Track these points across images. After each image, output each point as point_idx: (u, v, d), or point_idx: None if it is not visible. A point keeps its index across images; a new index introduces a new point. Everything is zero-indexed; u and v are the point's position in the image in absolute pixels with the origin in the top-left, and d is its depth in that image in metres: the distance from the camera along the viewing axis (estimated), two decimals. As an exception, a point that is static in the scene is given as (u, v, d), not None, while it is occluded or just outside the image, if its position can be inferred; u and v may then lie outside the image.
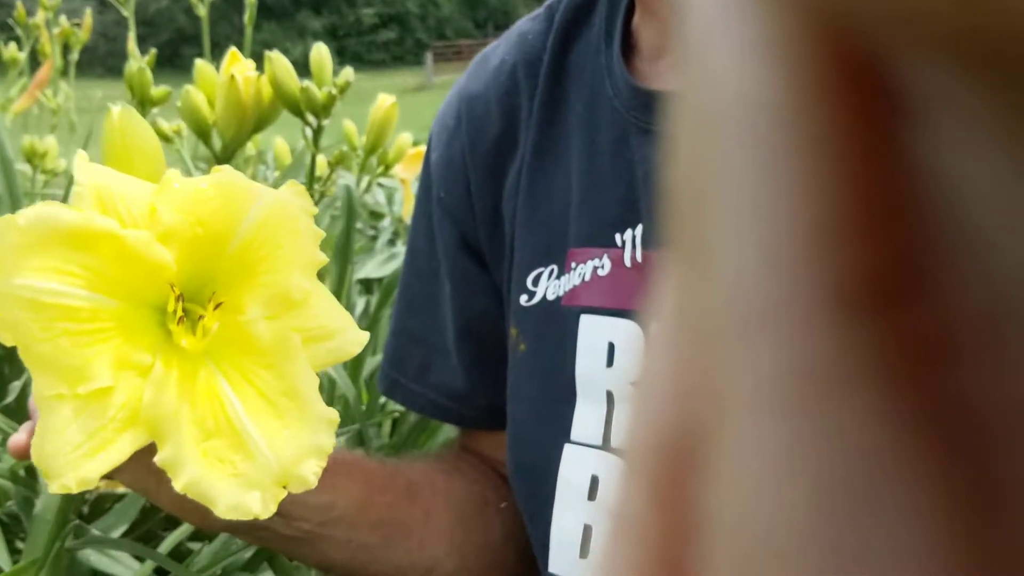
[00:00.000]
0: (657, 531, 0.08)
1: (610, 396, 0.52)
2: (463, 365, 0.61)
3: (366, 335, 0.39)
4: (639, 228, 0.52)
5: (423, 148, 1.15)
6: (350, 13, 33.17)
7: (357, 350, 0.39)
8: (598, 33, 0.56)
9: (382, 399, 0.95)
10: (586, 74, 0.55)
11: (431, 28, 33.32)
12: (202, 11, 1.13)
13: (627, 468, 0.08)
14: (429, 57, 24.96)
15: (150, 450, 0.38)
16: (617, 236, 0.52)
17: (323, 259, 0.38)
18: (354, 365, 0.83)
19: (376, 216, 1.96)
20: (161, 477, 0.40)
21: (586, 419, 0.53)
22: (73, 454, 0.32)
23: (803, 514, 0.06)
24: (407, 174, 1.16)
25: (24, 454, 0.41)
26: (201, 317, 0.36)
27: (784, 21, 0.07)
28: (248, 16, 1.19)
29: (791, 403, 0.06)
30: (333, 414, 0.36)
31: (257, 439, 0.34)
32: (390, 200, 2.19)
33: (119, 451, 0.33)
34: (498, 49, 0.61)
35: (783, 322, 0.06)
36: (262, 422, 0.35)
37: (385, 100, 0.97)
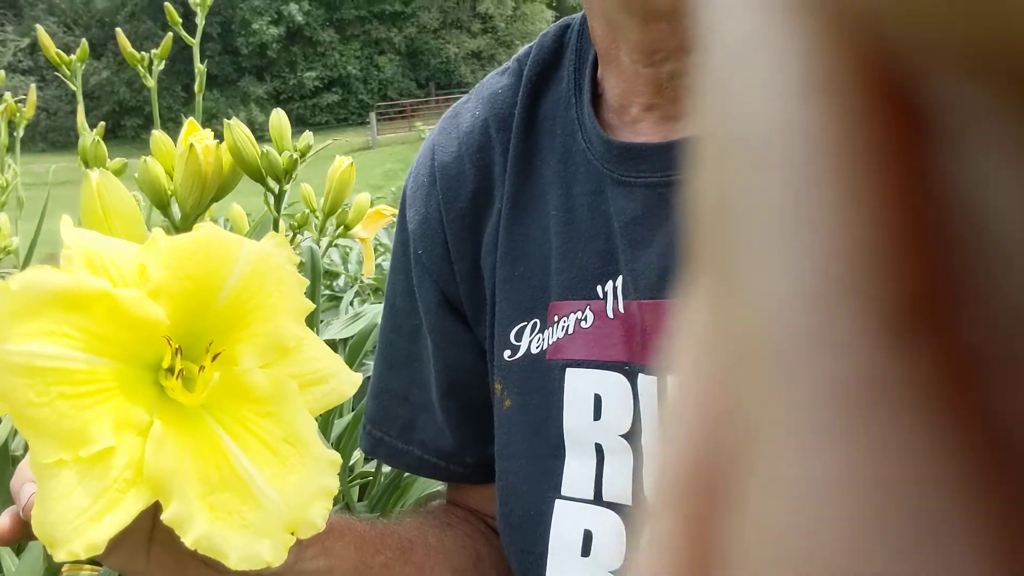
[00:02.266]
0: (688, 558, 0.08)
1: (599, 449, 0.52)
2: (449, 422, 0.61)
3: (360, 376, 0.39)
4: (619, 279, 0.52)
5: (381, 207, 1.15)
6: (292, 77, 33.30)
7: (352, 391, 0.39)
8: (567, 86, 0.57)
9: (351, 462, 0.94)
10: (558, 127, 0.56)
11: (373, 89, 33.55)
12: (151, 82, 1.14)
13: (659, 495, 0.08)
14: (373, 117, 25.09)
15: (141, 526, 0.38)
16: (598, 288, 0.53)
17: (311, 305, 0.39)
18: (322, 428, 0.82)
19: (331, 275, 1.96)
20: (151, 552, 0.39)
21: (576, 473, 0.53)
22: (78, 520, 0.32)
23: (848, 537, 0.06)
24: (366, 233, 1.16)
25: (10, 539, 0.40)
26: (202, 368, 0.36)
27: (817, 45, 0.07)
28: (198, 85, 1.19)
29: (834, 428, 0.06)
30: (335, 455, 0.36)
31: (263, 487, 0.34)
32: (345, 260, 2.19)
33: (124, 513, 0.33)
34: (468, 104, 0.61)
35: (824, 347, 0.06)
36: (267, 470, 0.35)
37: (342, 161, 0.97)
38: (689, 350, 0.08)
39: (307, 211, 1.02)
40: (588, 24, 0.55)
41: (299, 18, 33.02)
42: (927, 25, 0.06)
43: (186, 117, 0.79)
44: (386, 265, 2.09)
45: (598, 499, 0.52)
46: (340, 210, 1.02)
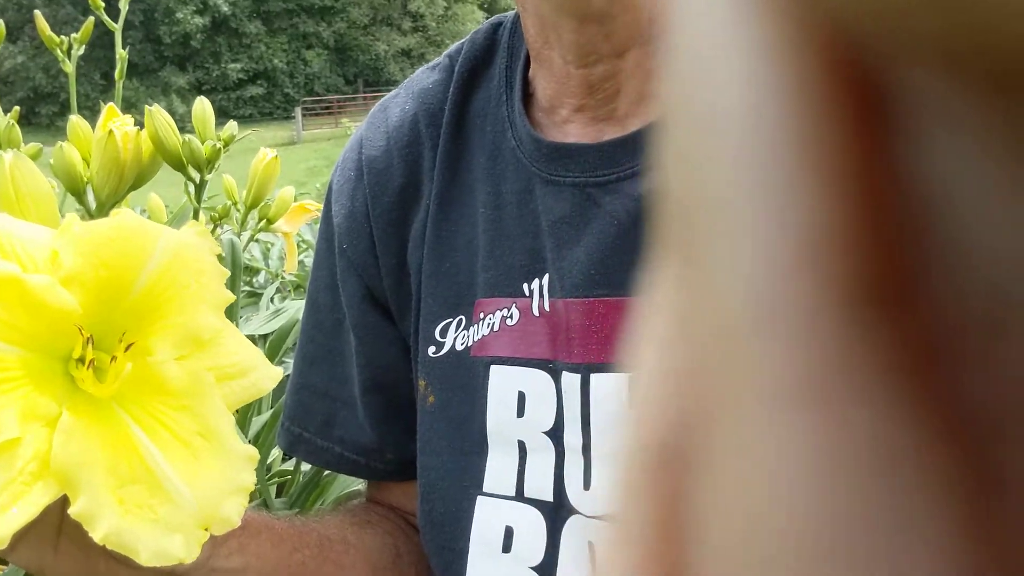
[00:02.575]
0: (657, 529, 0.08)
1: (522, 446, 0.52)
2: (370, 418, 0.60)
3: (280, 371, 0.39)
4: (546, 277, 0.52)
5: (305, 202, 1.14)
6: (215, 68, 32.66)
7: (271, 385, 0.39)
8: (498, 84, 0.57)
9: (270, 460, 0.93)
10: (488, 124, 0.56)
11: (300, 84, 33.12)
12: (69, 67, 1.10)
13: (626, 469, 0.08)
14: (298, 112, 24.77)
15: (48, 520, 0.37)
16: (525, 285, 0.53)
17: (231, 297, 0.38)
18: (239, 424, 0.81)
19: (251, 271, 1.93)
20: (59, 547, 0.38)
21: (499, 470, 0.53)
22: (-18, 510, 0.31)
23: (814, 512, 0.06)
24: (289, 228, 1.14)
25: None
26: (114, 359, 0.35)
27: (781, 30, 0.07)
28: (119, 71, 1.16)
29: (803, 397, 0.06)
30: (252, 451, 0.35)
31: (175, 482, 0.33)
32: (266, 255, 2.15)
33: (31, 506, 0.32)
34: (397, 99, 0.61)
35: (792, 322, 0.06)
36: (179, 464, 0.34)
37: (266, 154, 0.95)
38: (655, 333, 0.08)
39: (229, 203, 1.00)
40: (521, 23, 0.55)
41: (225, 8, 32.41)
42: (895, 20, 0.06)
43: (104, 105, 0.76)
44: (308, 261, 2.07)
45: (520, 495, 0.52)
46: (263, 204, 1.00)
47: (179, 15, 31.65)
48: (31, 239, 0.35)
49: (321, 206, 1.14)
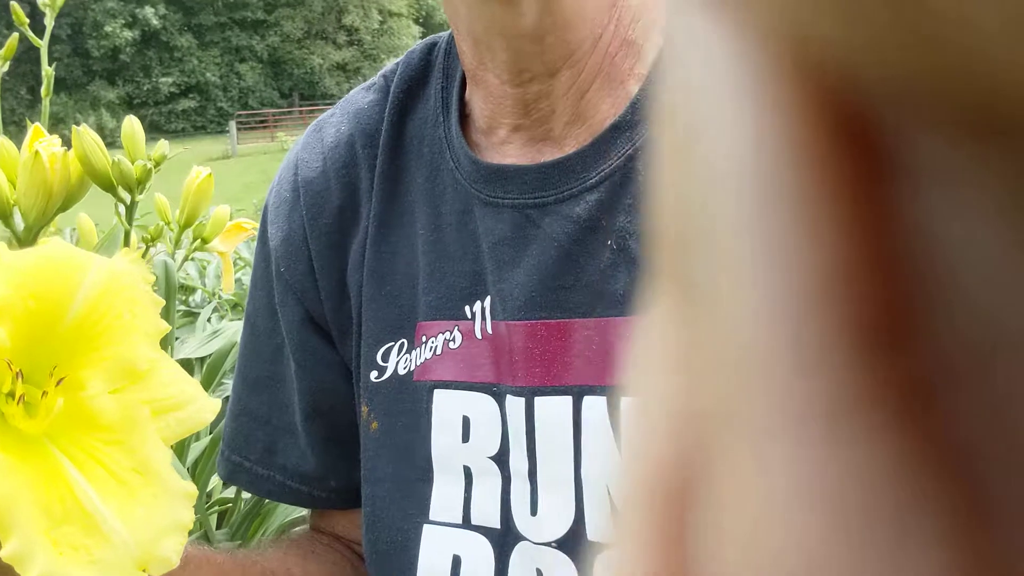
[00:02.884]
0: (661, 563, 0.08)
1: (468, 472, 0.52)
2: (312, 445, 0.59)
3: (218, 402, 0.38)
4: (488, 299, 0.52)
5: (241, 220, 1.12)
6: (146, 82, 32.10)
7: (210, 418, 0.38)
8: (434, 105, 0.56)
9: (209, 488, 0.91)
10: (425, 145, 0.56)
11: (234, 97, 32.72)
12: (-7, 83, 1.07)
13: (627, 500, 0.08)
14: (233, 126, 24.45)
15: None
16: (467, 308, 0.52)
17: (166, 327, 0.37)
18: (177, 452, 0.79)
19: (187, 290, 1.89)
20: None
21: (444, 497, 0.52)
22: (-96, 554, 0.29)
23: (816, 535, 0.06)
24: (225, 247, 1.12)
25: None
26: (45, 393, 0.34)
27: (779, 76, 0.07)
28: (45, 88, 1.13)
29: (805, 430, 0.07)
30: (190, 487, 0.35)
31: (111, 521, 0.32)
32: (202, 274, 2.12)
33: (-43, 548, 0.30)
34: (333, 119, 0.60)
35: (791, 360, 0.07)
36: (115, 502, 0.33)
37: (200, 172, 0.93)
38: (652, 364, 0.08)
39: (161, 223, 0.98)
40: (456, 43, 0.55)
41: (155, 22, 31.89)
42: (886, 72, 0.06)
43: (31, 121, 0.74)
44: (246, 279, 2.04)
45: (467, 523, 0.52)
46: (197, 223, 0.99)
47: (108, 28, 31.06)
48: (-45, 271, 0.34)
49: (258, 224, 1.12)
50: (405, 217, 0.55)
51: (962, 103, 0.06)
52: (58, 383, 0.35)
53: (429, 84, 0.57)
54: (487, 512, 0.51)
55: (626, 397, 0.08)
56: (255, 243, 0.68)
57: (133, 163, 0.77)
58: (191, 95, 32.28)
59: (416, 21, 34.33)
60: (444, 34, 0.59)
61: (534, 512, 0.50)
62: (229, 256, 1.14)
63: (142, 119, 0.85)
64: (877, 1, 0.06)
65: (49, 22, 1.13)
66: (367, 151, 0.57)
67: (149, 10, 31.67)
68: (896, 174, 0.07)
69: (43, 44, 1.12)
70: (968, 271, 0.06)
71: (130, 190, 0.77)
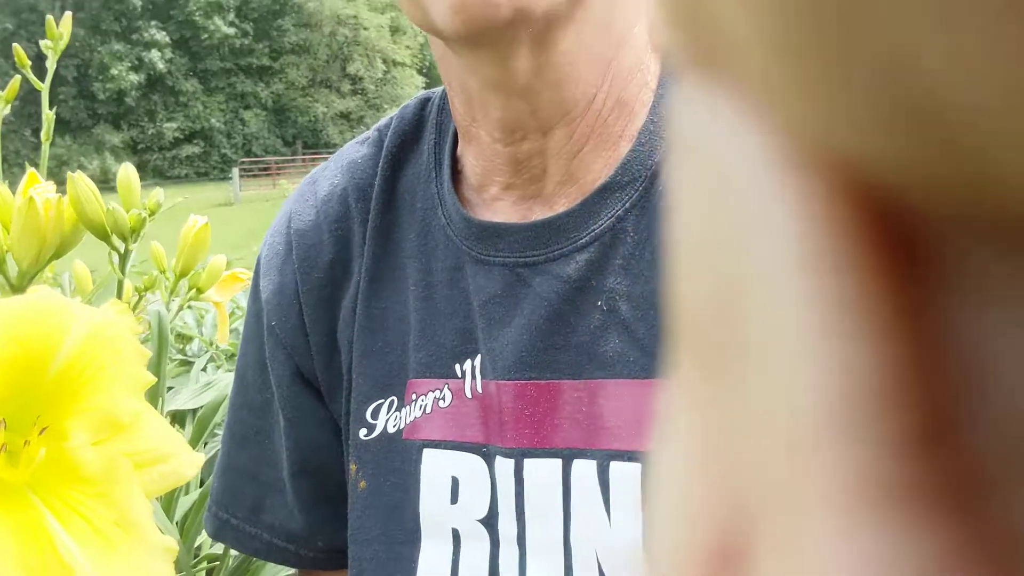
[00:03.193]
0: None
1: (456, 534, 0.51)
2: (300, 503, 0.58)
3: (202, 457, 0.38)
4: (478, 358, 0.51)
5: (237, 271, 1.12)
6: (151, 127, 32.35)
7: (193, 473, 0.38)
8: (427, 160, 0.56)
9: (198, 543, 0.90)
10: (417, 201, 0.56)
11: (237, 144, 32.95)
12: (-6, 126, 1.08)
13: (661, 569, 0.08)
14: (236, 173, 24.59)
15: None
16: (457, 366, 0.52)
17: (151, 379, 0.37)
18: (165, 506, 0.78)
19: (184, 339, 1.88)
20: None
21: (432, 561, 0.51)
22: None
23: None
24: (221, 297, 1.12)
25: None
26: (27, 443, 0.34)
27: (817, 176, 0.07)
28: (45, 132, 1.15)
29: (852, 514, 0.07)
30: (170, 542, 0.34)
31: (90, 574, 0.32)
32: (200, 323, 2.11)
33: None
34: (327, 172, 0.60)
35: (842, 444, 0.07)
36: (94, 555, 0.33)
37: (197, 221, 0.94)
38: (685, 438, 0.08)
39: (156, 273, 0.98)
40: (448, 99, 0.55)
41: (160, 66, 32.24)
42: (918, 181, 0.06)
43: (33, 164, 0.75)
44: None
45: None
46: (193, 272, 0.99)
47: (113, 71, 31.38)
48: (-61, 319, 0.34)
49: (249, 274, 1.12)
50: (397, 272, 0.55)
51: (990, 210, 0.06)
52: (41, 432, 0.35)
53: (423, 139, 0.57)
54: None
55: (653, 467, 0.09)
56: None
57: (128, 212, 0.77)
58: (195, 140, 32.53)
59: (419, 71, 34.72)
60: (438, 89, 0.59)
61: None
62: (224, 306, 1.14)
63: (145, 164, 0.86)
64: (892, 112, 0.06)
65: (51, 64, 1.14)
66: (360, 205, 0.57)
67: (155, 54, 32.04)
68: (938, 274, 0.07)
69: (45, 87, 1.14)
70: (1010, 370, 0.07)
71: (124, 239, 0.77)
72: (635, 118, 0.51)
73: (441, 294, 0.53)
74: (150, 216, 0.79)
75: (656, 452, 0.09)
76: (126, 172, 0.81)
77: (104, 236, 0.74)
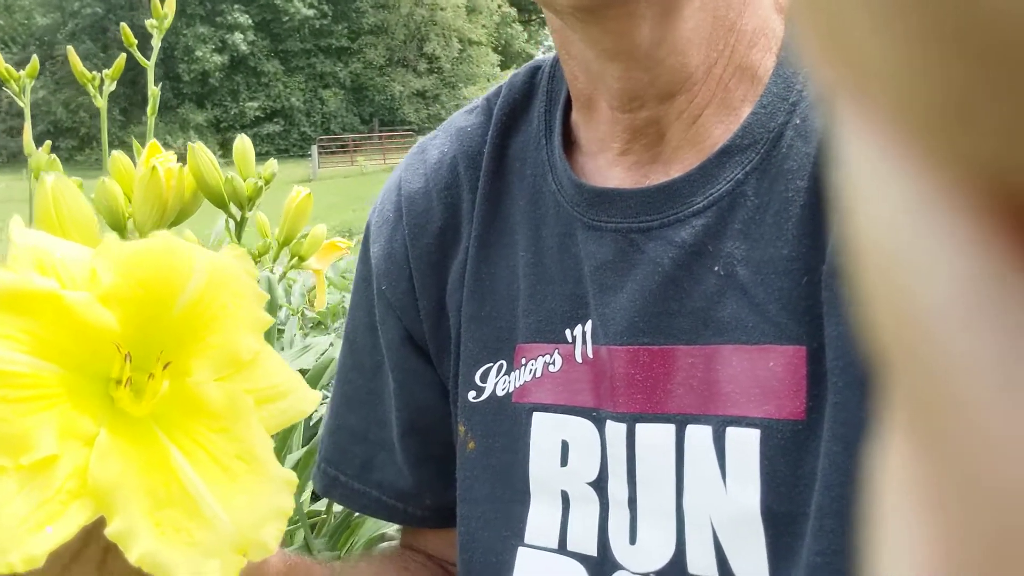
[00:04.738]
0: None
1: (565, 496, 0.51)
2: (409, 462, 0.59)
3: (319, 394, 0.38)
4: (588, 323, 0.51)
5: (336, 239, 1.14)
6: (233, 106, 33.05)
7: (311, 409, 0.38)
8: (537, 127, 0.56)
9: (300, 500, 0.92)
10: (527, 168, 0.56)
11: (316, 122, 33.47)
12: (100, 103, 1.11)
13: None
14: (315, 150, 25.00)
15: (91, 557, 0.36)
16: (567, 331, 0.52)
17: (269, 319, 0.37)
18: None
19: (271, 307, 1.93)
20: (105, 567, 0.37)
21: (541, 521, 0.52)
22: (18, 529, 0.30)
23: None
24: (320, 265, 1.14)
25: None
26: (151, 376, 0.35)
27: (978, 209, 0.07)
28: (151, 107, 1.17)
29: None
30: (291, 475, 0.35)
31: (213, 505, 0.33)
32: (288, 292, 2.16)
33: (67, 525, 0.31)
34: (436, 140, 0.61)
35: None
36: (217, 488, 0.33)
37: (299, 191, 0.96)
38: (903, 492, 0.08)
39: (266, 240, 1.00)
40: (562, 67, 0.54)
41: (243, 47, 32.87)
42: None
43: (124, 141, 0.76)
44: (332, 299, 2.07)
45: (562, 548, 0.51)
46: (295, 241, 1.01)
47: (198, 53, 32.11)
48: (70, 257, 0.35)
49: (349, 243, 1.14)
50: (506, 238, 0.55)
51: None
52: (165, 367, 0.36)
53: (532, 107, 0.57)
54: (584, 538, 0.50)
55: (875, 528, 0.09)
56: (341, 263, 0.69)
57: (244, 180, 0.79)
58: (276, 119, 33.13)
59: (495, 49, 34.72)
60: (548, 56, 0.59)
61: (633, 541, 0.49)
62: (323, 274, 1.16)
63: (227, 142, 0.88)
64: None
65: (156, 42, 1.16)
66: (469, 172, 0.57)
67: (239, 36, 32.67)
68: None
69: (150, 65, 1.17)
70: None
71: (241, 206, 0.79)
72: (758, 83, 0.50)
73: (551, 260, 0.53)
74: (266, 185, 0.81)
75: (876, 504, 0.09)
76: (242, 143, 0.83)
77: (222, 204, 0.76)
